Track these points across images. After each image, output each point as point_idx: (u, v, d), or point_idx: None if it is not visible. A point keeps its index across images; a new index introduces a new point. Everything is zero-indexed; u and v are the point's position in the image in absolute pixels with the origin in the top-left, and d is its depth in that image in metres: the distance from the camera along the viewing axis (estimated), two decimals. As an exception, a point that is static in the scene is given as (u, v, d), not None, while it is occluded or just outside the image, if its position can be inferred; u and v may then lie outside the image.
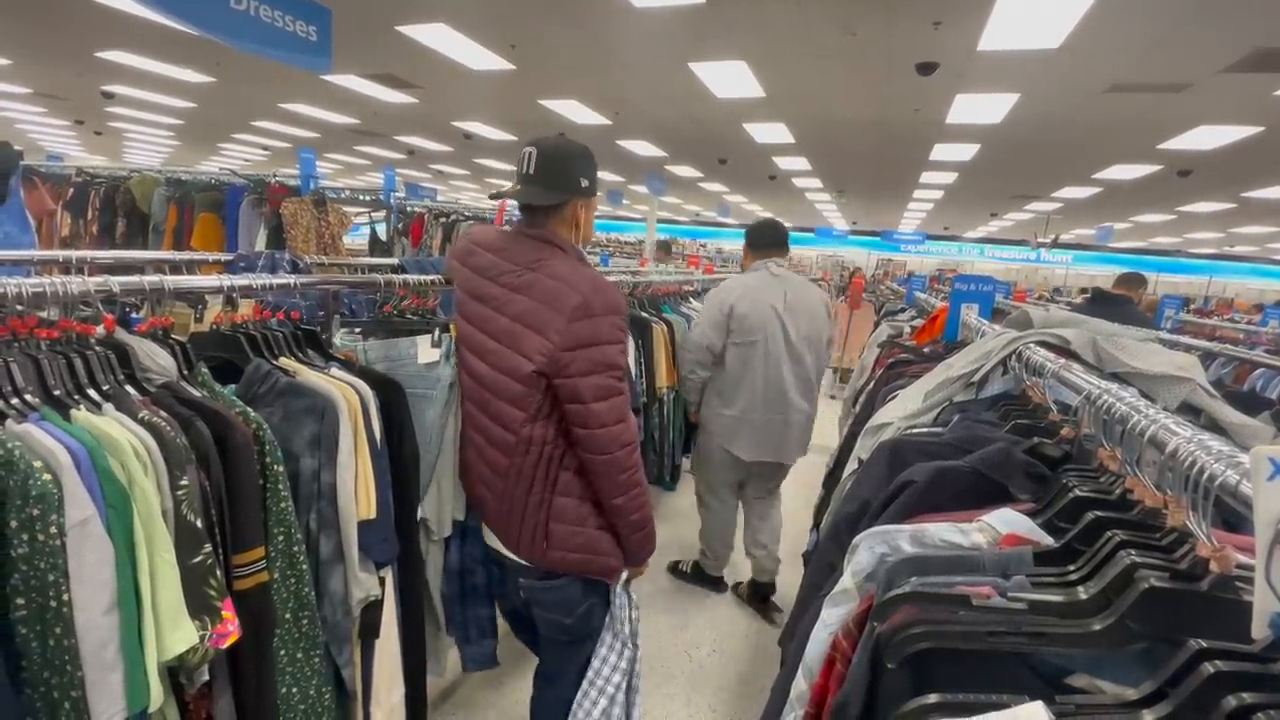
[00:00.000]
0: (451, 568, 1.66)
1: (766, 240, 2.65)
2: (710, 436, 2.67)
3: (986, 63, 5.03)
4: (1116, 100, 5.69)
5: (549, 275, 1.29)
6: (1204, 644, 0.56)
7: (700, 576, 2.98)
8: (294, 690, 1.15)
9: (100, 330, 1.05)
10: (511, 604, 1.59)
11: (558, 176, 1.33)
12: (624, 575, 1.47)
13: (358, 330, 1.61)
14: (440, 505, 1.53)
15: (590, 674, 1.45)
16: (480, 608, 1.70)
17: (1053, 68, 5.02)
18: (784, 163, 10.57)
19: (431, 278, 1.84)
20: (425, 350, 1.49)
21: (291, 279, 1.41)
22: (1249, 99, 5.32)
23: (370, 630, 1.29)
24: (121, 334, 1.07)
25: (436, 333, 1.49)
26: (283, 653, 1.12)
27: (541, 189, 1.32)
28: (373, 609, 1.28)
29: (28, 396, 0.91)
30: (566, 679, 1.49)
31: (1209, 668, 0.53)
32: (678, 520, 3.64)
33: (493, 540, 1.48)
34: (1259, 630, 0.50)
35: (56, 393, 0.94)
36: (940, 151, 8.56)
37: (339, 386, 1.22)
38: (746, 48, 5.26)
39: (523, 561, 1.40)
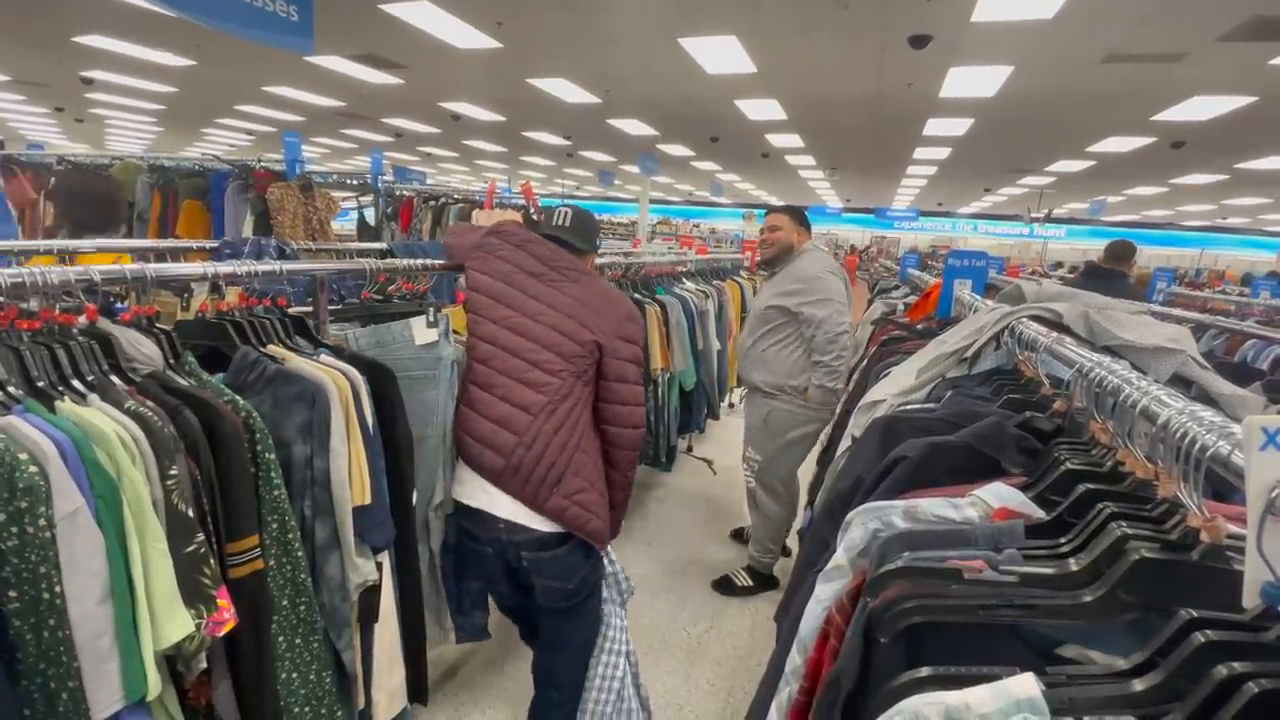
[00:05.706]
0: (449, 540, 1.67)
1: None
2: (798, 434, 2.65)
3: (980, 34, 4.97)
4: (1111, 71, 5.63)
5: (601, 284, 1.63)
6: (1195, 613, 0.56)
7: (764, 580, 2.81)
8: (294, 675, 1.15)
9: (82, 320, 1.03)
10: (495, 586, 1.62)
11: (589, 234, 1.71)
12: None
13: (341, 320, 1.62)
14: (448, 481, 1.54)
15: (604, 632, 1.62)
16: (474, 580, 1.73)
17: (1047, 38, 4.96)
18: (776, 140, 10.46)
19: (421, 262, 1.81)
20: (421, 331, 1.51)
21: (278, 265, 1.39)
22: (1245, 68, 5.28)
23: (369, 614, 1.30)
24: (104, 323, 1.06)
25: (432, 313, 1.51)
26: (281, 639, 1.13)
27: (580, 238, 1.67)
28: (371, 593, 1.29)
29: (10, 389, 0.90)
30: (574, 644, 1.59)
31: (1199, 637, 0.53)
32: (675, 503, 3.67)
33: (500, 509, 1.47)
34: (1250, 599, 0.50)
35: (40, 384, 0.93)
36: (934, 126, 8.48)
37: (328, 373, 1.21)
38: (737, 22, 5.17)
39: (534, 526, 1.46)
